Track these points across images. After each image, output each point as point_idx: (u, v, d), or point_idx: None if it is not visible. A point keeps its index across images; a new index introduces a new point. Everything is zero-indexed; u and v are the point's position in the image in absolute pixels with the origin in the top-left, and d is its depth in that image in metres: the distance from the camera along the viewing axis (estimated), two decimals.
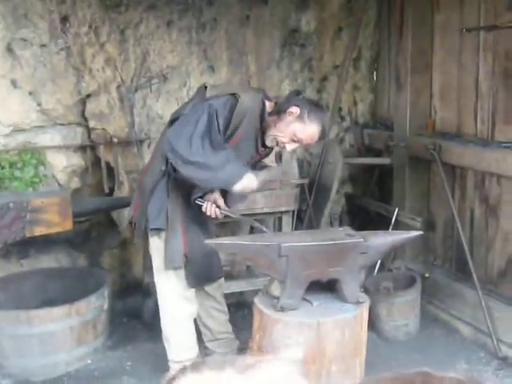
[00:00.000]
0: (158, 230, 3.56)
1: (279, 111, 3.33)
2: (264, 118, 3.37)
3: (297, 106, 3.28)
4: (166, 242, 3.56)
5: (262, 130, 3.40)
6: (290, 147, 3.36)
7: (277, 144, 3.38)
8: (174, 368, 3.80)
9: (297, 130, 3.28)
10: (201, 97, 3.45)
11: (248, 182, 3.23)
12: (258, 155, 3.54)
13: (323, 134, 3.36)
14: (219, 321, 3.97)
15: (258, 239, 3.03)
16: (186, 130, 3.23)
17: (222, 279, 3.95)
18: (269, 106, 3.42)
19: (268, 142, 3.41)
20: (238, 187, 3.22)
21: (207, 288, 3.86)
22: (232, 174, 3.20)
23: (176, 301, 3.72)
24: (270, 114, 3.38)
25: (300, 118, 3.26)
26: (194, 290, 3.73)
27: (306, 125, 3.27)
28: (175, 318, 3.76)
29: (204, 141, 3.21)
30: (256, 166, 3.57)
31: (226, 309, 4.01)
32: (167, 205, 3.50)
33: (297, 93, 3.48)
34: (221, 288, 3.95)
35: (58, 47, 4.58)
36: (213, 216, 3.44)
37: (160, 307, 3.79)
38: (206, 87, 3.47)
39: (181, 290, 3.68)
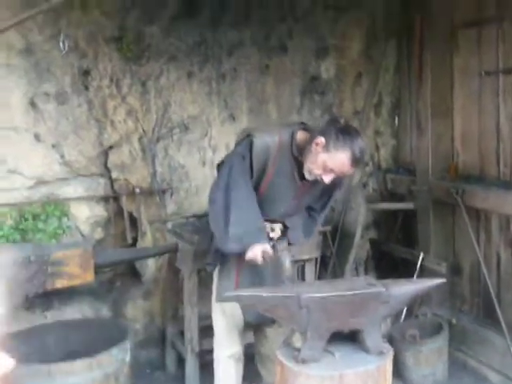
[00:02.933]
0: (212, 265, 3.64)
1: (310, 143, 3.28)
2: (295, 152, 3.34)
3: (322, 135, 3.21)
4: (219, 277, 3.62)
5: (300, 164, 3.35)
6: (326, 179, 3.26)
7: (314, 176, 3.31)
8: None
9: (325, 161, 3.19)
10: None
11: (251, 255, 3.27)
12: (301, 189, 3.47)
13: (356, 161, 3.19)
14: (271, 371, 3.69)
15: (278, 290, 2.99)
16: (216, 182, 3.41)
17: None
18: (303, 138, 3.36)
19: (307, 175, 3.34)
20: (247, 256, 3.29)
21: (268, 330, 3.78)
22: (238, 245, 3.29)
23: (218, 338, 3.78)
24: (304, 146, 3.32)
25: (326, 147, 3.18)
26: (239, 330, 3.72)
27: (332, 154, 3.17)
28: (218, 355, 3.82)
29: (226, 193, 3.32)
30: (303, 202, 3.55)
31: None
32: None
33: (333, 120, 3.44)
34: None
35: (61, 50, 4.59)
36: (254, 262, 3.35)
37: None
38: (248, 134, 3.42)
39: (225, 327, 3.70)
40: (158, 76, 4.93)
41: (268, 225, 3.46)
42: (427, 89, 5.08)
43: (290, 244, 3.61)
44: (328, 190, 3.56)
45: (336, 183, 3.48)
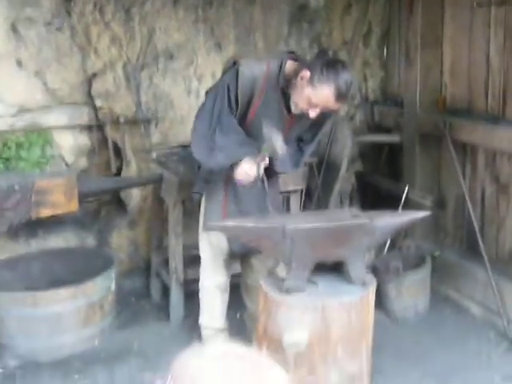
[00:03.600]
0: (197, 194, 3.65)
1: (296, 76, 3.19)
2: (282, 83, 3.27)
3: (307, 68, 3.13)
4: (206, 207, 3.61)
5: (287, 96, 3.28)
6: (312, 113, 3.20)
7: (300, 110, 3.25)
8: (202, 333, 3.91)
9: (310, 95, 3.11)
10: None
11: (242, 172, 3.24)
12: (289, 121, 3.39)
13: (341, 96, 3.09)
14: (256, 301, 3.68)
15: (262, 221, 2.99)
16: (201, 108, 3.39)
17: None
18: (291, 69, 3.26)
19: (293, 108, 3.28)
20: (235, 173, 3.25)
21: (254, 261, 3.78)
22: (226, 158, 3.25)
23: (204, 267, 3.80)
24: (292, 78, 3.23)
25: (311, 81, 3.09)
26: (225, 260, 3.74)
27: (316, 88, 3.08)
28: (203, 284, 3.85)
29: (211, 119, 3.28)
30: (291, 133, 3.48)
31: None
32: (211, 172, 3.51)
33: (320, 53, 3.36)
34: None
35: (55, 26, 4.54)
36: (246, 179, 3.30)
37: None
38: (234, 62, 3.35)
39: (211, 257, 3.72)
40: (143, 2, 4.79)
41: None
42: (417, 19, 4.98)
43: (277, 173, 3.59)
44: (317, 122, 3.49)
45: (325, 115, 3.42)
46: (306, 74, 3.12)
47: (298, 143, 3.63)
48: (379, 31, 5.79)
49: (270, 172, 3.43)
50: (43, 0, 4.47)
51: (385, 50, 5.85)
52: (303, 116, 3.32)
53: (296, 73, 3.20)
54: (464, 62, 4.81)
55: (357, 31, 5.53)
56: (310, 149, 3.65)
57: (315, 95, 3.11)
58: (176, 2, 4.91)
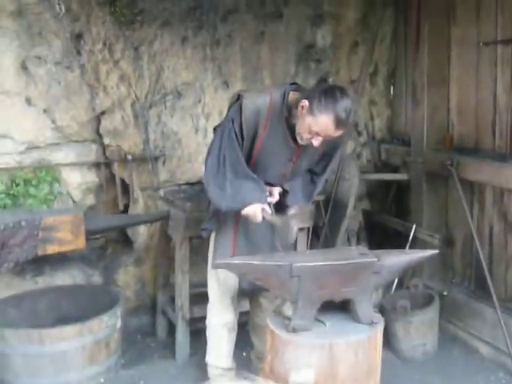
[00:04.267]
0: (207, 231, 3.64)
1: (297, 106, 3.21)
2: (286, 114, 3.29)
3: (306, 98, 3.15)
4: (216, 243, 3.60)
5: (292, 126, 3.28)
6: (315, 142, 3.20)
7: (305, 140, 3.26)
8: (209, 371, 3.87)
9: (310, 124, 3.13)
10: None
11: (250, 212, 3.26)
12: (296, 152, 3.40)
13: (340, 122, 3.09)
14: (263, 340, 3.60)
15: (269, 259, 2.98)
16: (210, 147, 3.40)
17: None
18: (294, 99, 3.28)
19: (298, 139, 3.28)
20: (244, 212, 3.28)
21: (262, 300, 3.78)
22: (235, 202, 3.29)
23: (212, 305, 3.78)
24: (294, 107, 3.26)
25: (310, 110, 3.11)
26: (233, 298, 3.72)
27: (316, 117, 3.09)
28: (210, 322, 3.82)
29: (219, 159, 3.29)
30: (300, 164, 3.49)
31: None
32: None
33: (320, 82, 3.37)
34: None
35: (65, 65, 4.60)
36: (253, 220, 3.32)
37: None
38: (238, 96, 3.37)
39: (218, 294, 3.70)
40: (152, 41, 4.86)
41: (268, 188, 3.43)
42: (424, 58, 5.03)
43: (287, 206, 3.56)
44: (328, 152, 3.51)
45: (335, 146, 3.44)
46: (306, 103, 3.14)
47: (311, 176, 3.64)
48: (386, 70, 5.84)
49: (282, 206, 3.44)
50: (53, 39, 4.53)
51: (391, 89, 5.89)
52: (309, 146, 3.32)
53: (297, 103, 3.22)
54: (471, 100, 4.83)
55: (364, 70, 5.57)
56: (321, 181, 3.65)
57: (315, 124, 3.12)
58: (184, 40, 4.97)
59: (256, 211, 3.25)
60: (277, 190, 3.49)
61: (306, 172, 3.61)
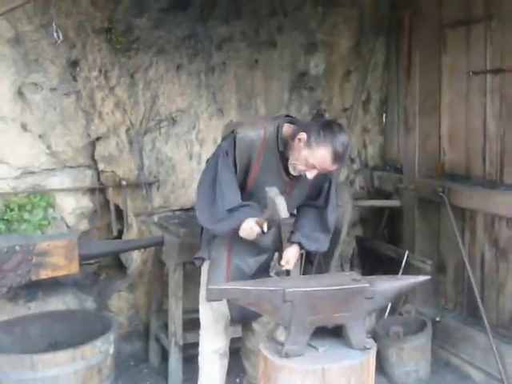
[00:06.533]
0: (200, 260, 3.62)
1: (293, 138, 3.25)
2: (280, 147, 3.32)
3: (304, 131, 3.18)
4: (209, 272, 3.58)
5: (286, 158, 3.32)
6: (309, 175, 3.24)
7: (298, 172, 3.29)
8: None
9: (307, 157, 3.16)
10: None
11: (245, 229, 3.25)
12: (289, 184, 3.43)
13: (338, 157, 3.14)
14: (256, 365, 3.61)
15: (262, 284, 2.99)
16: (202, 176, 3.44)
17: None
18: (288, 132, 3.32)
19: (291, 170, 3.32)
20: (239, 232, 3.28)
21: (255, 325, 3.77)
22: (228, 224, 3.28)
23: (204, 332, 3.75)
24: (289, 141, 3.29)
25: (307, 143, 3.15)
26: (226, 325, 3.70)
27: (313, 150, 3.13)
28: (203, 348, 3.78)
29: (213, 187, 3.31)
30: (293, 196, 3.49)
31: None
32: (214, 235, 3.52)
33: (317, 115, 3.40)
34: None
35: (62, 91, 4.64)
36: (250, 238, 3.31)
37: None
38: (232, 131, 3.39)
39: (211, 321, 3.68)
40: (147, 68, 4.91)
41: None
42: (415, 86, 5.10)
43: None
44: (319, 184, 3.53)
45: (327, 177, 3.48)
46: (303, 136, 3.17)
47: (321, 212, 3.63)
48: (378, 98, 5.91)
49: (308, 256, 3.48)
50: (49, 65, 4.58)
51: (384, 116, 5.95)
52: (303, 178, 3.34)
53: (293, 135, 3.25)
54: (461, 128, 4.89)
55: (356, 98, 5.64)
56: (329, 211, 3.62)
57: (313, 156, 3.16)
58: (179, 68, 5.03)
59: (251, 226, 3.23)
60: (292, 258, 3.57)
61: (311, 210, 3.64)
